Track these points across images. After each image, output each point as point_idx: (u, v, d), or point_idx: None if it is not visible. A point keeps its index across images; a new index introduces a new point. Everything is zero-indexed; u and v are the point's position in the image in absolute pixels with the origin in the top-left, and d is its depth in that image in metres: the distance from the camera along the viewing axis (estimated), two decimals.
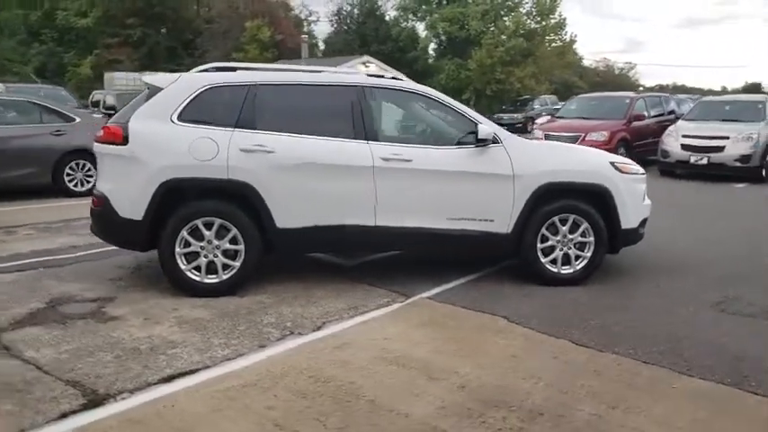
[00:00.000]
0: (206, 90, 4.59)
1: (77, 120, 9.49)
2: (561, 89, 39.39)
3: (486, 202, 4.80)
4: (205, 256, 4.52)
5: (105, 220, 4.60)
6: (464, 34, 33.69)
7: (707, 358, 3.66)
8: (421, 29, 38.42)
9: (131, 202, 4.46)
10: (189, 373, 3.33)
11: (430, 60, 38.84)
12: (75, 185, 9.30)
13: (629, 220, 5.06)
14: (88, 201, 9.01)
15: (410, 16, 38.53)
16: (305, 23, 46.14)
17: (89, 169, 9.34)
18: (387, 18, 40.88)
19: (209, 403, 3.01)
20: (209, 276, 4.55)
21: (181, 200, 4.46)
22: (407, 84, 5.02)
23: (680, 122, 12.46)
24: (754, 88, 71.66)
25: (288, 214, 4.55)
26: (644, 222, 5.26)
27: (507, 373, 3.43)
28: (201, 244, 4.50)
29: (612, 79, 67.92)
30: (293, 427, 2.82)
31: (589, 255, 5.00)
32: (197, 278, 4.54)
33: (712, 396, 3.23)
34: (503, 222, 4.83)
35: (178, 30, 42.15)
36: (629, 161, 5.41)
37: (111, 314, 4.20)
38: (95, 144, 4.74)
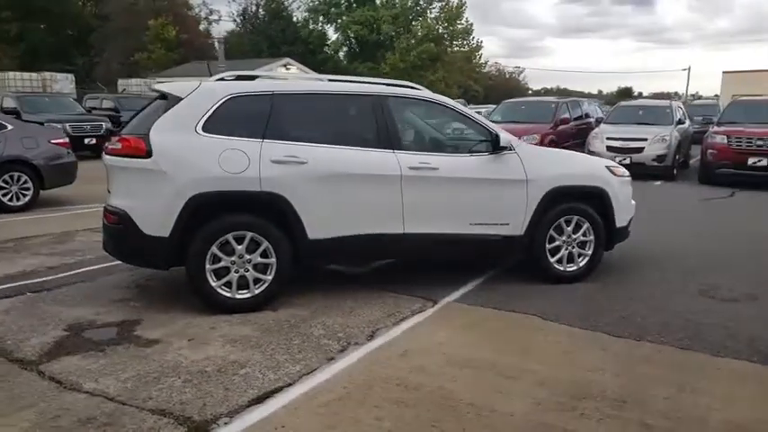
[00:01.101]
0: (229, 99, 4.46)
1: (9, 127, 8.71)
2: (460, 93, 41.02)
3: (503, 206, 5.03)
4: (236, 272, 4.39)
5: (126, 239, 4.33)
6: (375, 38, 34.18)
7: (726, 341, 4.08)
8: (331, 31, 38.53)
9: (157, 219, 4.25)
10: (274, 392, 3.27)
11: (341, 63, 39.07)
12: (10, 200, 8.54)
13: (621, 219, 5.50)
14: (29, 216, 8.58)
15: (320, 18, 38.48)
16: (205, 22, 44.72)
17: (25, 182, 8.62)
18: (294, 19, 40.54)
19: (318, 420, 2.99)
20: (240, 292, 4.43)
21: (210, 214, 4.31)
22: (426, 93, 5.14)
23: (603, 126, 13.49)
24: (627, 92, 78.10)
25: (320, 225, 4.53)
26: (630, 221, 5.73)
27: (571, 367, 3.66)
28: (232, 259, 4.37)
29: (504, 83, 71.43)
30: None
31: (590, 253, 5.37)
32: (228, 294, 4.41)
33: (751, 374, 3.64)
34: (517, 225, 5.08)
35: (64, 26, 39.26)
36: (618, 165, 5.86)
37: (147, 337, 3.99)
38: (107, 157, 4.45)
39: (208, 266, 4.33)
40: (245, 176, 4.33)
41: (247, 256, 4.40)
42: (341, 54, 39.77)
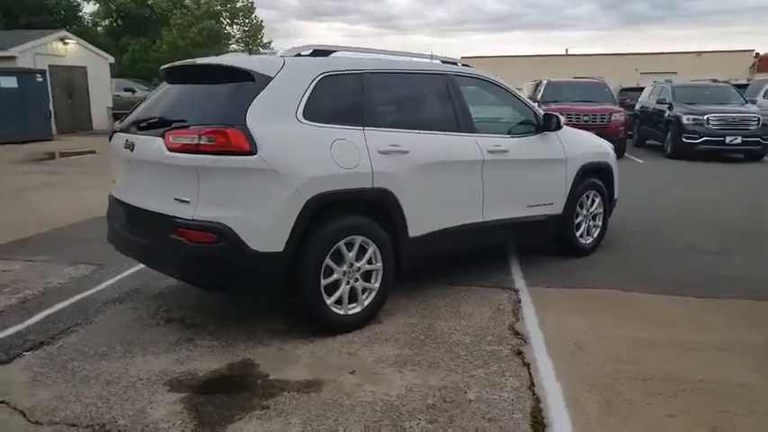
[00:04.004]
0: (323, 79, 3.70)
1: None
2: None
3: (551, 185, 5.08)
4: (347, 283, 3.73)
5: (227, 260, 3.33)
6: (144, 12, 30.78)
7: (752, 286, 4.72)
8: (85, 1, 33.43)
9: (269, 230, 3.37)
10: (538, 413, 2.88)
11: (99, 37, 34.30)
12: None
13: (617, 191, 5.96)
14: None
15: None
16: None
17: None
18: None
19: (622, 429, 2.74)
20: (350, 306, 3.78)
21: (324, 219, 3.57)
22: (482, 72, 4.85)
23: None
24: None
25: (418, 220, 4.05)
26: None
27: (720, 331, 3.84)
28: (343, 269, 3.70)
29: None
30: (732, 425, 2.78)
31: (600, 224, 5.72)
32: (341, 312, 3.73)
33: None
34: (559, 204, 5.17)
35: None
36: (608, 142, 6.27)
37: (298, 379, 3.17)
38: (177, 155, 3.32)
39: (323, 281, 3.60)
40: (358, 171, 3.67)
41: (356, 264, 3.76)
42: (100, 28, 34.92)
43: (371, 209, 3.81)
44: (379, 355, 3.48)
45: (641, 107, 15.96)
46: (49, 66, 18.79)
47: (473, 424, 2.76)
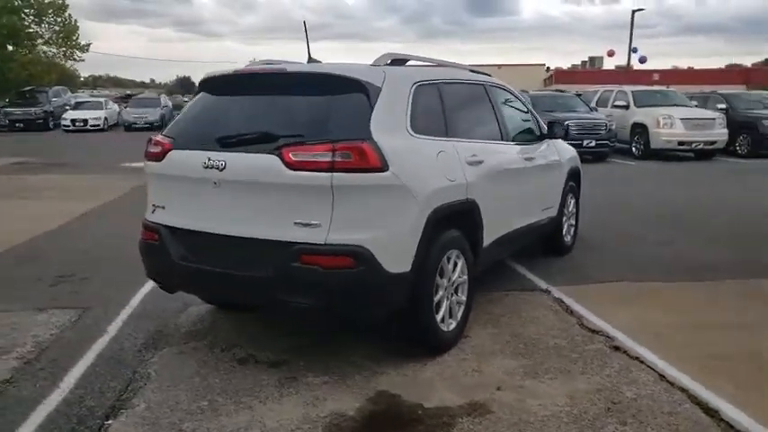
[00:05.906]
0: (417, 89, 3.55)
1: None
2: (56, 79, 34.98)
3: (554, 190, 5.38)
4: (446, 299, 3.62)
5: (365, 285, 3.02)
6: None
7: (732, 268, 5.47)
8: None
9: (400, 249, 3.16)
10: (696, 399, 3.06)
11: None
12: None
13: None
14: None
15: None
16: None
17: None
18: None
19: None
20: (449, 321, 3.67)
21: (436, 234, 3.41)
22: (502, 81, 4.92)
23: None
24: (187, 81, 79.30)
25: (488, 229, 4.05)
26: None
27: (750, 311, 4.39)
28: (445, 284, 3.59)
29: (53, 68, 63.97)
30: None
31: (574, 223, 6.18)
32: (445, 329, 3.61)
33: None
34: (556, 206, 5.49)
35: None
36: None
37: (459, 403, 3.01)
38: (305, 174, 2.93)
39: (434, 299, 3.46)
40: (458, 183, 3.59)
41: (452, 279, 3.67)
42: None
43: (464, 220, 3.74)
44: (504, 368, 3.43)
45: None
46: None
47: (662, 420, 2.87)
